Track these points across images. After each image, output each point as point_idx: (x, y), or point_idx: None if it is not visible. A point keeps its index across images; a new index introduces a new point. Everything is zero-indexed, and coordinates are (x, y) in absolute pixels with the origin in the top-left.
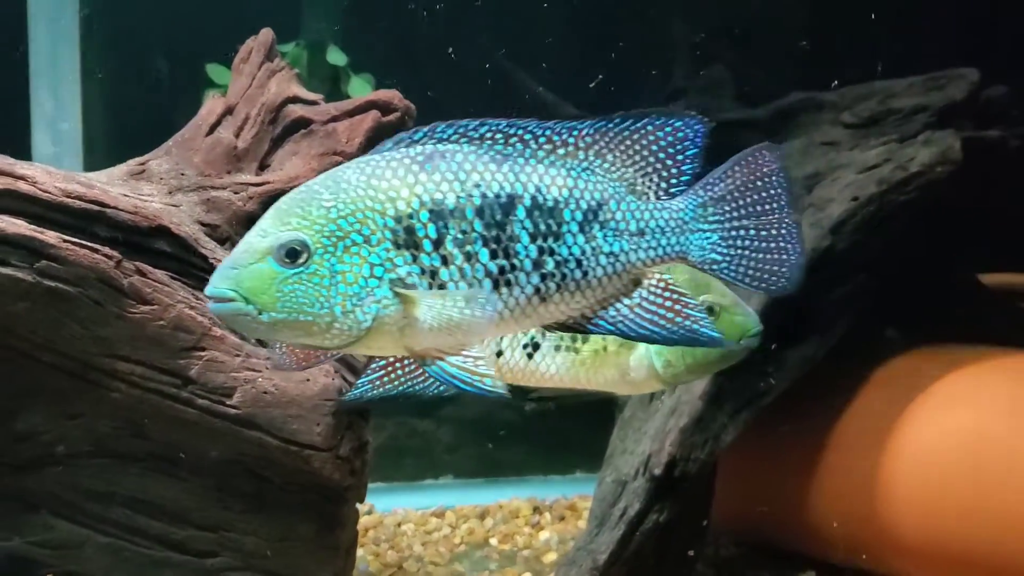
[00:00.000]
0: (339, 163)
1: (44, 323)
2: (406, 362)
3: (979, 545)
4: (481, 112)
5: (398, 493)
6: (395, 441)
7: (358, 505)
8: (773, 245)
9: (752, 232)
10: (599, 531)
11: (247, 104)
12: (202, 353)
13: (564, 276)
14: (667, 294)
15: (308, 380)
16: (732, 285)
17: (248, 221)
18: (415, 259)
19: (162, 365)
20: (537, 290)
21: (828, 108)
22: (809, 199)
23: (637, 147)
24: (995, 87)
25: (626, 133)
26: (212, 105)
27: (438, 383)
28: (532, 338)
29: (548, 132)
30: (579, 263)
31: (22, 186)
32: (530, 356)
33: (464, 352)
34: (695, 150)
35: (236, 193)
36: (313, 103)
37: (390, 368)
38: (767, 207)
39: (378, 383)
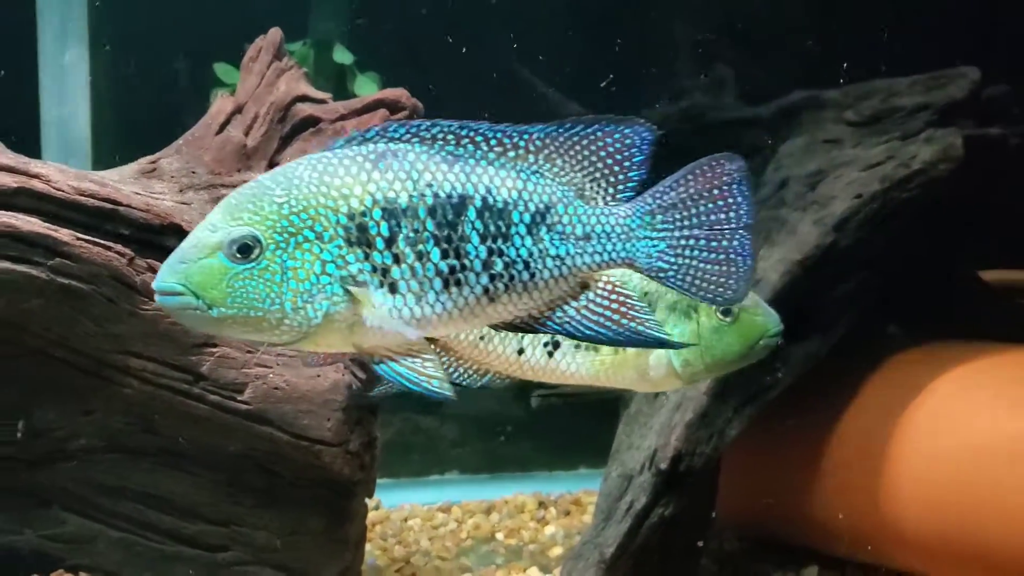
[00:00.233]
0: None
1: (58, 320)
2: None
3: (982, 539)
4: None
5: (404, 489)
6: (400, 437)
7: (366, 500)
8: (723, 257)
9: (702, 243)
10: (605, 525)
11: (256, 103)
12: (213, 349)
13: (512, 277)
14: (614, 297)
15: (319, 376)
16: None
17: None
18: (367, 257)
19: (174, 361)
20: (486, 290)
21: (830, 106)
22: (813, 196)
23: (586, 152)
24: (996, 85)
25: (575, 138)
26: (222, 104)
27: (459, 377)
28: (553, 337)
29: (499, 135)
30: (527, 265)
31: (36, 184)
32: (550, 354)
33: (413, 351)
34: (642, 157)
35: None
36: (322, 102)
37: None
38: (720, 217)
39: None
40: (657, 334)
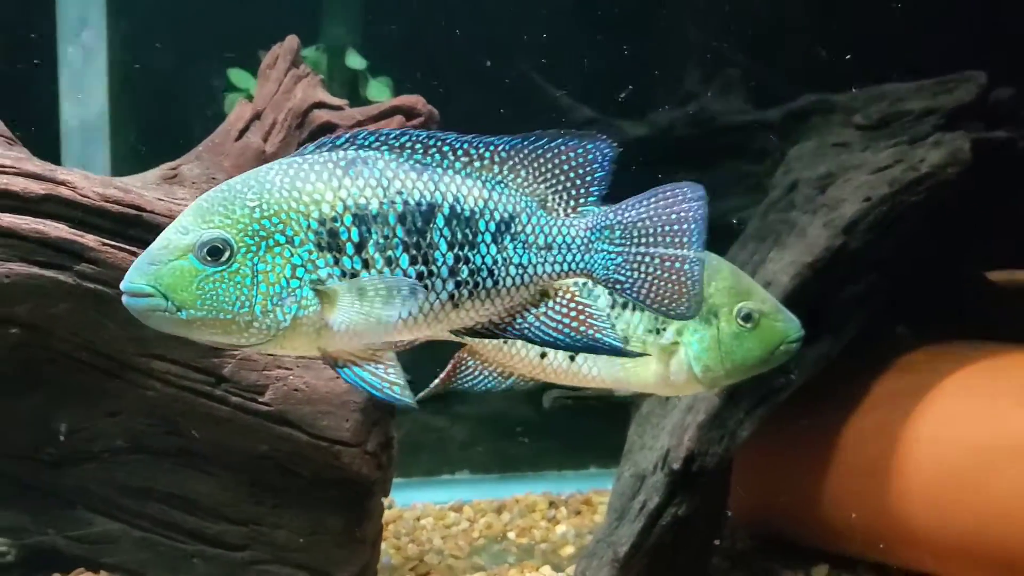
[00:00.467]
0: None
1: (84, 324)
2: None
3: (991, 538)
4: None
5: (416, 488)
6: (411, 437)
7: (382, 499)
8: (675, 277)
9: (656, 261)
10: (619, 524)
11: (274, 109)
12: (235, 352)
13: (477, 284)
14: (572, 305)
15: (337, 378)
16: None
17: None
18: (337, 262)
19: (196, 364)
20: (451, 296)
21: (839, 110)
22: (822, 199)
23: (549, 165)
24: (1002, 89)
25: (539, 151)
26: (240, 110)
27: (486, 381)
28: None
29: (466, 145)
30: (491, 272)
31: (63, 191)
32: (572, 358)
33: (376, 357)
34: (603, 172)
35: None
36: (338, 108)
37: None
38: (676, 240)
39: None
40: (613, 342)
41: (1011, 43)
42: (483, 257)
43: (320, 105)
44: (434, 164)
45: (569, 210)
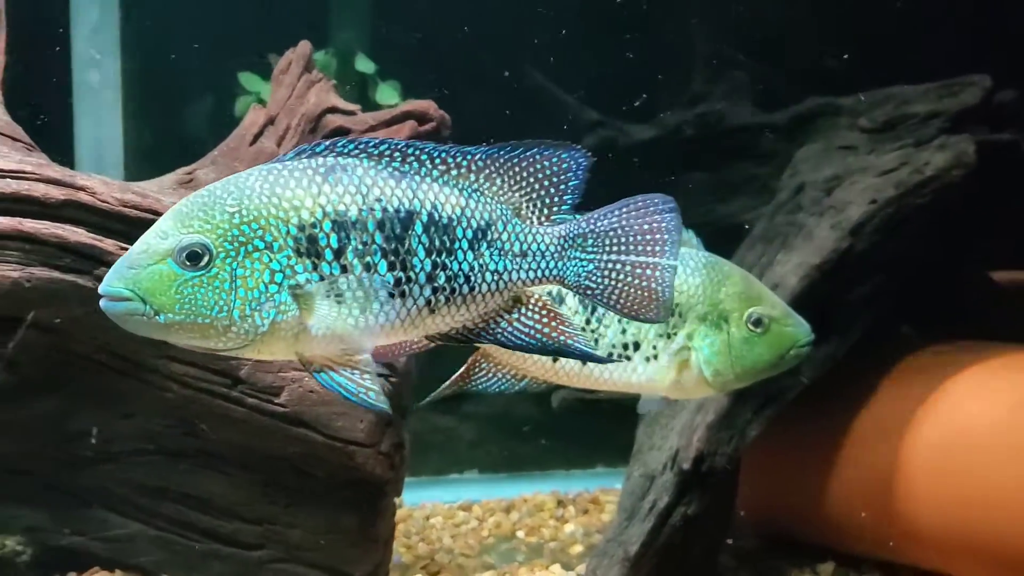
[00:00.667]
0: None
1: (103, 327)
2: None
3: (996, 535)
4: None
5: (425, 487)
6: (419, 436)
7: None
8: (645, 284)
9: (628, 268)
10: (629, 523)
11: (288, 115)
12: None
13: (453, 290)
14: (544, 312)
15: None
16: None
17: None
18: (315, 267)
19: (213, 366)
20: (428, 302)
21: (845, 113)
22: (829, 201)
23: (524, 174)
24: (1006, 91)
25: (515, 160)
26: (254, 115)
27: (499, 383)
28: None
29: (443, 154)
30: (467, 279)
31: (82, 196)
32: (584, 362)
33: (353, 363)
34: (577, 181)
35: None
36: (351, 113)
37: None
38: (647, 248)
39: (447, 385)
40: (582, 347)
41: (1015, 45)
42: (460, 264)
43: (333, 110)
44: (412, 172)
45: (543, 217)
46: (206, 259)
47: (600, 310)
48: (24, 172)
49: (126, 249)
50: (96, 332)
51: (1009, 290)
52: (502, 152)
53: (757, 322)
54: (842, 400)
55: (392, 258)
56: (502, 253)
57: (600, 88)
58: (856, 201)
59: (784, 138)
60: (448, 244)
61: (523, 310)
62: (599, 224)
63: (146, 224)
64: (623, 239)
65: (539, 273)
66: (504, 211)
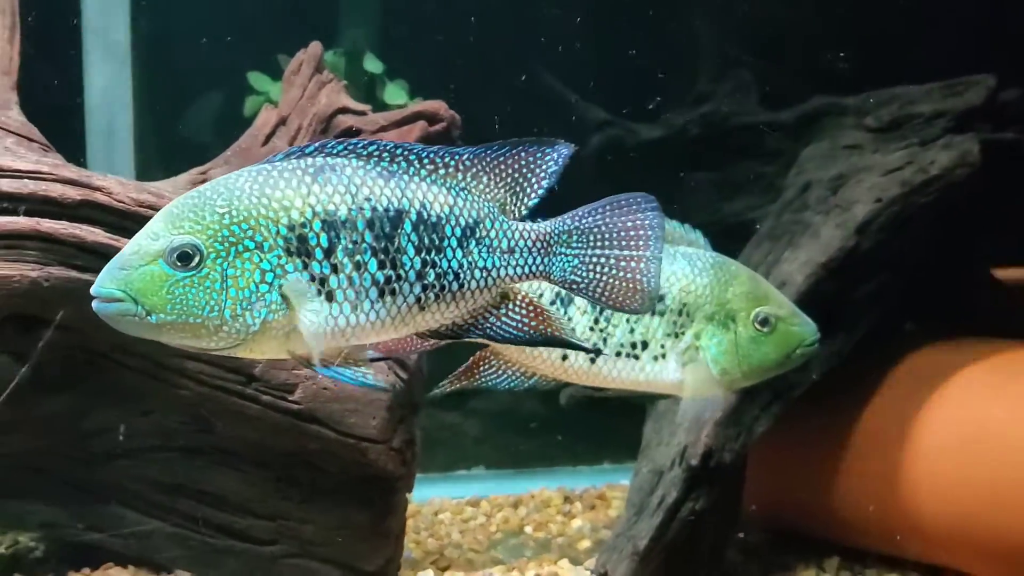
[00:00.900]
0: None
1: None
2: (480, 362)
3: (1000, 529)
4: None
5: (433, 483)
6: (425, 433)
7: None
8: (630, 276)
9: (612, 262)
10: (638, 519)
11: (299, 115)
12: None
13: (443, 287)
14: (530, 306)
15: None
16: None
17: None
18: (306, 267)
19: (228, 364)
20: (418, 300)
21: (851, 112)
22: (835, 200)
23: (510, 171)
24: (1010, 91)
25: (501, 158)
26: (267, 116)
27: (509, 380)
28: (594, 344)
29: (431, 154)
30: (456, 276)
31: (99, 197)
32: (592, 361)
33: (344, 359)
34: (556, 168)
35: None
36: (362, 113)
37: (467, 367)
38: (630, 244)
39: (458, 380)
40: (567, 338)
41: (1019, 45)
42: (449, 261)
43: (344, 110)
44: (401, 172)
45: (524, 208)
46: (197, 259)
47: (608, 311)
48: (41, 173)
49: None
50: (113, 330)
51: (1012, 288)
52: (489, 151)
53: (764, 321)
54: (848, 397)
55: (382, 256)
56: (490, 250)
57: (607, 87)
58: (862, 200)
59: (790, 137)
60: (437, 242)
61: (510, 305)
62: (583, 221)
63: None
64: (606, 235)
65: (526, 269)
66: (491, 209)
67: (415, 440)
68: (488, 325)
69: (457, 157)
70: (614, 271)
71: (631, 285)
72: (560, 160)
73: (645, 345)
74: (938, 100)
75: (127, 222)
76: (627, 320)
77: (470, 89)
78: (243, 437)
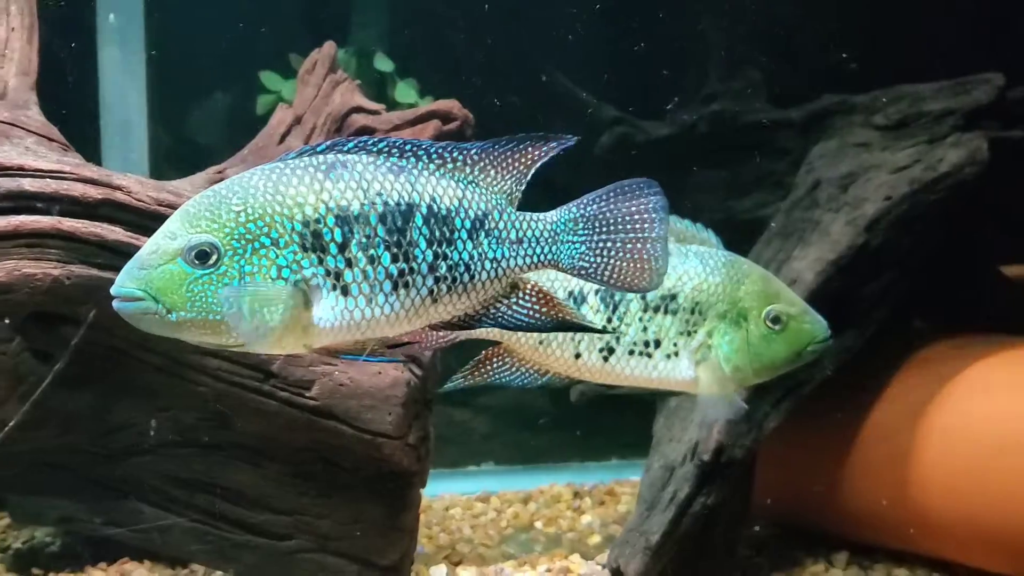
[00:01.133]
0: None
1: None
2: (494, 359)
3: (1008, 525)
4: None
5: (443, 479)
6: (435, 429)
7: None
8: (636, 257)
9: (618, 245)
10: (650, 514)
11: (314, 114)
12: None
13: (454, 279)
14: (539, 293)
15: (380, 373)
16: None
17: None
18: (321, 262)
19: (246, 361)
20: (431, 291)
21: (860, 111)
22: (845, 198)
23: (517, 164)
24: (1018, 88)
25: (508, 152)
26: (282, 115)
27: (522, 378)
28: (608, 343)
29: (440, 150)
30: (467, 267)
31: (119, 196)
32: (605, 359)
33: (358, 348)
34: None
35: None
36: (375, 112)
37: (480, 363)
38: (635, 227)
39: (470, 376)
40: (579, 321)
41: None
42: (460, 253)
43: (358, 110)
44: (410, 167)
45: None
46: (215, 257)
47: (621, 309)
48: (62, 172)
49: None
50: (133, 328)
51: (1020, 284)
52: (496, 146)
53: (776, 319)
54: (857, 392)
55: (395, 250)
56: (499, 241)
57: (617, 86)
58: (871, 198)
59: (799, 135)
60: (448, 234)
61: (520, 293)
62: (588, 209)
63: None
64: (612, 220)
65: (535, 258)
66: (499, 200)
67: (429, 436)
68: (499, 314)
69: (465, 152)
70: (621, 254)
71: (639, 266)
72: (563, 152)
73: (658, 343)
74: (947, 98)
75: (147, 220)
76: (640, 319)
77: (480, 87)
78: (260, 433)
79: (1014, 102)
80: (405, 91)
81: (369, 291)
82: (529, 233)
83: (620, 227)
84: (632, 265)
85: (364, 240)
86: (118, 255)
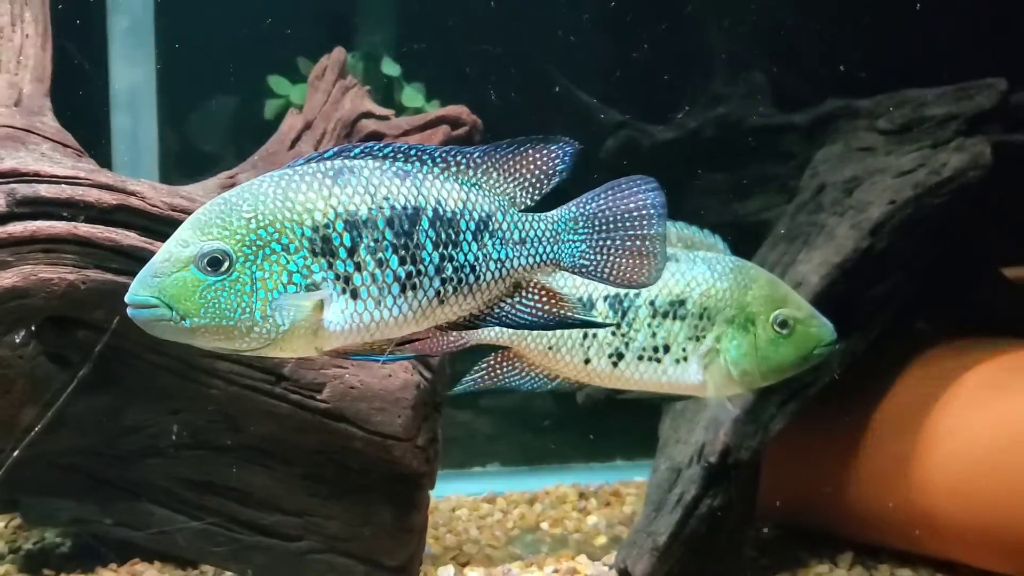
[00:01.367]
0: None
1: None
2: (504, 363)
3: (1014, 527)
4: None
5: (449, 480)
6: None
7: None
8: (636, 253)
9: (618, 243)
10: (657, 515)
11: (324, 120)
12: None
13: (460, 280)
14: (542, 291)
15: (390, 376)
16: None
17: None
18: (330, 266)
19: (258, 363)
20: (438, 293)
21: (864, 115)
22: (849, 202)
23: (518, 166)
24: (1021, 93)
25: (510, 155)
26: (292, 121)
27: (532, 382)
28: (617, 348)
29: (444, 154)
30: (473, 268)
31: (133, 201)
32: (615, 364)
33: (367, 350)
34: (564, 166)
35: None
36: (385, 118)
37: (490, 367)
38: (634, 224)
39: (480, 380)
40: (583, 317)
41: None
42: (466, 254)
43: (367, 115)
44: (415, 171)
45: (530, 200)
46: (227, 264)
47: (631, 315)
48: (77, 178)
49: None
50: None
51: (1022, 287)
52: (498, 149)
53: (783, 324)
54: (862, 394)
55: (402, 253)
56: (503, 242)
57: (622, 90)
58: (876, 201)
59: (804, 139)
60: (453, 236)
61: (524, 292)
62: (587, 208)
63: None
64: (610, 218)
65: (537, 258)
66: (502, 202)
67: (438, 438)
68: (504, 313)
69: (468, 155)
70: (620, 251)
71: (638, 262)
72: (565, 155)
73: (667, 349)
74: (950, 103)
75: (160, 225)
76: (649, 325)
77: (487, 92)
78: (271, 435)
79: (1017, 107)
80: (412, 95)
81: (378, 294)
82: (531, 233)
83: (619, 224)
84: (631, 261)
85: (372, 244)
86: (133, 260)
